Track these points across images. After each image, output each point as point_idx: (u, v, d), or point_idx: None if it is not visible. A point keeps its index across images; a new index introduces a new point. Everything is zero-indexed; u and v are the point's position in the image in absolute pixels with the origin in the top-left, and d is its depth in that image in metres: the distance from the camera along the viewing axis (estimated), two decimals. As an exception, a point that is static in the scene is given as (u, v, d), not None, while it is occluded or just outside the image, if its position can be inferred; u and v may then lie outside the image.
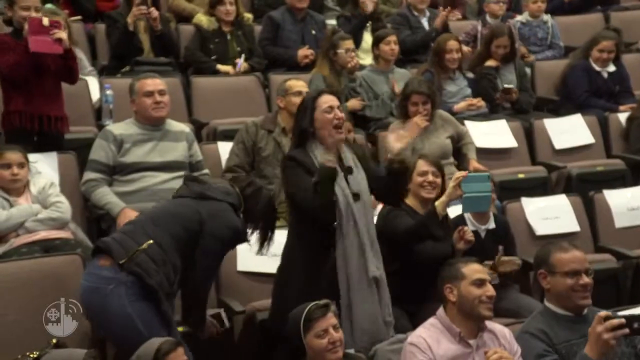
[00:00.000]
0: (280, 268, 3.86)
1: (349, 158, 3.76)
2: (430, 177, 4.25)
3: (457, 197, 4.06)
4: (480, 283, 3.45)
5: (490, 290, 3.46)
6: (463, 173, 4.11)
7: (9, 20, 5.51)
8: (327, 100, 3.76)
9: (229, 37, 6.53)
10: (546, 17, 7.55)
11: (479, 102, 6.27)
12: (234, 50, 6.52)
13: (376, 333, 3.69)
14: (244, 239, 3.72)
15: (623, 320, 3.04)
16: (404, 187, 4.03)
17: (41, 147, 4.90)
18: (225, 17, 6.48)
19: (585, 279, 3.44)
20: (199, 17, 6.61)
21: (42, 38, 4.74)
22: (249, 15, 6.76)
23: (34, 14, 4.90)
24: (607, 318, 3.07)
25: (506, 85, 6.49)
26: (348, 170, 3.71)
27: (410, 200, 4.28)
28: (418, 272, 4.08)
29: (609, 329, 3.06)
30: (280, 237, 3.91)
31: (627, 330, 3.04)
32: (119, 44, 6.31)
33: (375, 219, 4.05)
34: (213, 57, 6.44)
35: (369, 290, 3.69)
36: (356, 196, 3.70)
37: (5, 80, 4.97)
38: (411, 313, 4.08)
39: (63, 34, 4.81)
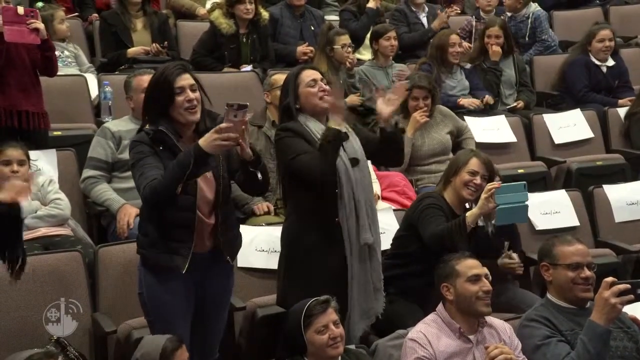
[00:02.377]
0: (284, 247, 3.77)
1: (342, 125, 3.67)
2: (478, 180, 4.03)
3: (490, 210, 3.82)
4: (475, 279, 3.45)
5: (486, 285, 3.45)
6: (496, 184, 3.87)
7: None
8: (309, 74, 3.72)
9: (243, 40, 6.41)
10: (528, 12, 7.31)
11: (489, 99, 6.25)
12: (246, 56, 6.43)
13: (366, 299, 3.69)
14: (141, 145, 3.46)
15: (629, 285, 3.08)
16: (400, 149, 3.87)
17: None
18: (244, 15, 6.32)
19: (587, 272, 3.45)
20: (219, 19, 6.34)
21: (17, 28, 4.55)
22: (266, 15, 6.56)
23: (3, 4, 4.68)
24: (613, 284, 3.10)
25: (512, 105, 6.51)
26: (345, 136, 3.61)
27: (448, 195, 4.11)
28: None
29: (616, 293, 3.08)
30: (278, 232, 3.90)
31: (631, 297, 3.08)
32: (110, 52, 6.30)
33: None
34: (228, 64, 6.35)
35: (361, 257, 3.66)
36: (354, 161, 3.66)
37: None
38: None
39: (40, 24, 4.64)
